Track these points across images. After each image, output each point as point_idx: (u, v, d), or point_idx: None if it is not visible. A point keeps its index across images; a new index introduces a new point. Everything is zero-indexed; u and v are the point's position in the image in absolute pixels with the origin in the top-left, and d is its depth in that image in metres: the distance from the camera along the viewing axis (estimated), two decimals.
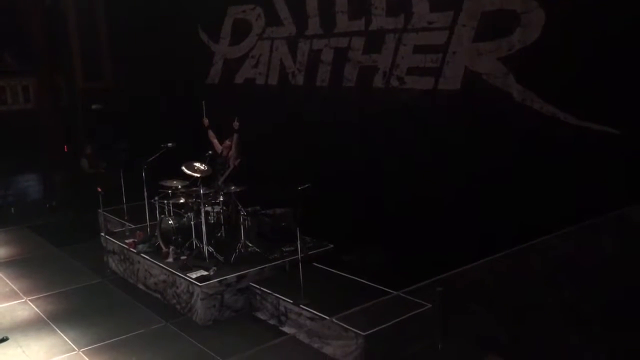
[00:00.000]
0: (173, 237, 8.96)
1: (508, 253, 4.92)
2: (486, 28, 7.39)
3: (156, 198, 9.50)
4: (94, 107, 12.78)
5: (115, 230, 10.61)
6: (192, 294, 8.10)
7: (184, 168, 9.03)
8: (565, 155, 6.70)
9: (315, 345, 7.14)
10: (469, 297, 5.16)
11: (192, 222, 8.79)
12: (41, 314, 8.49)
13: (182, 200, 9.11)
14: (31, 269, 10.23)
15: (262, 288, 8.04)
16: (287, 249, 8.64)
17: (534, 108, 7.00)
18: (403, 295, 7.25)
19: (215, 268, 8.27)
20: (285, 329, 7.62)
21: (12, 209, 13.60)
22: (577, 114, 6.64)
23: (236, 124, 9.02)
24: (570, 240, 5.06)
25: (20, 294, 9.18)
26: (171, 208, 9.37)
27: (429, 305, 6.27)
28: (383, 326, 6.51)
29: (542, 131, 6.94)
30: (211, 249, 8.63)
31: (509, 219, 7.09)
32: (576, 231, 5.02)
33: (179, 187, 9.26)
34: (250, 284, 8.19)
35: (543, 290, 5.07)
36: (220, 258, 8.54)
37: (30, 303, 8.86)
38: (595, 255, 4.93)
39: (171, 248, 8.88)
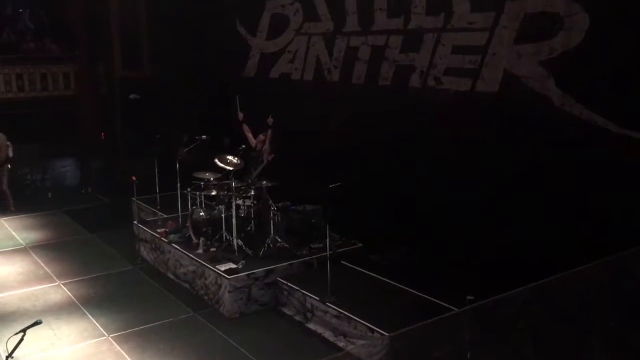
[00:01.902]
0: (204, 229, 9.05)
1: (550, 280, 4.79)
2: (528, 30, 7.25)
3: (189, 189, 9.61)
4: (131, 96, 12.97)
5: (147, 219, 10.78)
6: (220, 285, 8.19)
7: (217, 161, 9.11)
8: (603, 163, 6.55)
9: (341, 344, 7.15)
10: (508, 320, 5.05)
11: (223, 215, 8.87)
12: (73, 298, 8.69)
13: (214, 193, 9.18)
14: (65, 253, 10.48)
15: (289, 284, 8.07)
16: (316, 245, 8.67)
17: (573, 114, 6.86)
18: (429, 298, 7.23)
19: (244, 261, 8.33)
20: (311, 326, 7.64)
21: (50, 193, 13.92)
22: (618, 122, 6.48)
23: (270, 120, 9.05)
24: (613, 267, 4.88)
25: (54, 277, 9.41)
26: (203, 200, 9.47)
27: (457, 310, 6.21)
28: (409, 328, 6.46)
29: (580, 138, 6.79)
30: (241, 243, 8.70)
31: (540, 225, 6.99)
32: (618, 259, 4.85)
33: (212, 179, 9.34)
34: (278, 279, 8.24)
35: (587, 318, 4.91)
36: (249, 252, 8.60)
37: (63, 287, 9.07)
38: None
39: (201, 239, 8.97)
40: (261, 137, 9.27)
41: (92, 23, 14.86)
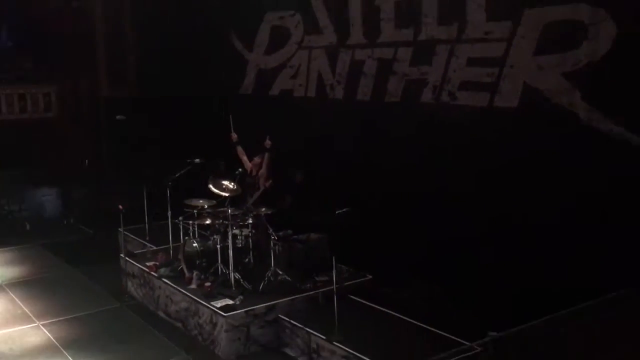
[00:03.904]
0: (197, 261, 9.01)
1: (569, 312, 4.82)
2: (549, 40, 7.29)
3: (180, 218, 9.59)
4: (118, 117, 13.02)
5: (135, 252, 10.73)
6: (215, 324, 8.12)
7: (211, 186, 9.11)
8: (638, 185, 6.52)
9: None
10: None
11: (218, 246, 8.84)
12: (54, 340, 8.60)
13: (208, 222, 9.15)
14: (45, 290, 10.41)
15: (292, 321, 8.00)
16: (321, 278, 8.60)
17: (602, 130, 6.85)
18: (448, 336, 7.17)
19: (241, 297, 8.27)
20: None
21: (27, 225, 13.89)
22: None
23: (268, 143, 9.09)
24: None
25: (33, 318, 9.34)
26: (196, 229, 9.44)
27: (478, 349, 6.15)
28: None
29: (611, 157, 6.77)
30: (238, 276, 8.65)
31: (567, 254, 6.96)
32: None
33: (205, 206, 9.32)
34: (280, 316, 8.17)
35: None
36: (248, 286, 8.55)
37: (42, 328, 9.00)
38: None
39: (195, 273, 8.92)
40: (256, 160, 9.29)
41: (75, 39, 14.95)
